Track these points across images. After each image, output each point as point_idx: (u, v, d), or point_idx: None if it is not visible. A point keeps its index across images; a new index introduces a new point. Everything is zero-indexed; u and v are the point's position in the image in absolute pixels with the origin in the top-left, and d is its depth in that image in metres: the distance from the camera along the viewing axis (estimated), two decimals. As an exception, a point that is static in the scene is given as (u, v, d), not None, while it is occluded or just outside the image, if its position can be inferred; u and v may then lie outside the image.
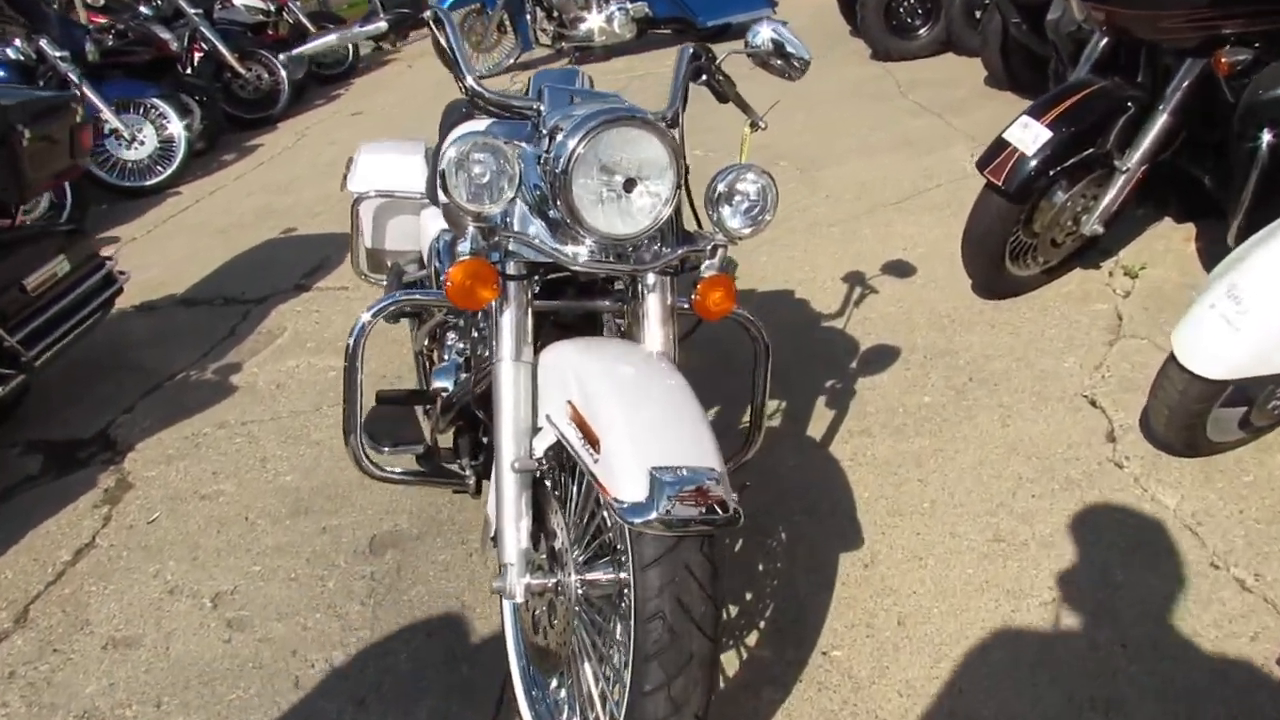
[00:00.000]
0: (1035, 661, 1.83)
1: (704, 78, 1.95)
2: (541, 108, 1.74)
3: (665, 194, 1.60)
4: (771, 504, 2.37)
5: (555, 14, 7.89)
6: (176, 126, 6.29)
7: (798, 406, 2.78)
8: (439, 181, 1.51)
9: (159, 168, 6.28)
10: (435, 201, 2.46)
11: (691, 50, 1.92)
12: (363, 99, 8.51)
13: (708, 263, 1.72)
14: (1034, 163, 2.71)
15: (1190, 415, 2.11)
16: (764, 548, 2.25)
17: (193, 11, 7.29)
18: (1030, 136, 2.72)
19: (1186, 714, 1.70)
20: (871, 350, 3.02)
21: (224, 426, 3.20)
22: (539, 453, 1.64)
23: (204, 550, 2.57)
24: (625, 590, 1.50)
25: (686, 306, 1.76)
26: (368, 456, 1.92)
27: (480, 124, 1.94)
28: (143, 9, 7.37)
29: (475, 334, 2.08)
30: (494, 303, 1.64)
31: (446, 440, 2.19)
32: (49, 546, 2.68)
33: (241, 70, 7.58)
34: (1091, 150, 2.79)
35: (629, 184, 1.58)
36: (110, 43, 6.48)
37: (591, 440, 1.42)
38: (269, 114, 7.80)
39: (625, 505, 1.33)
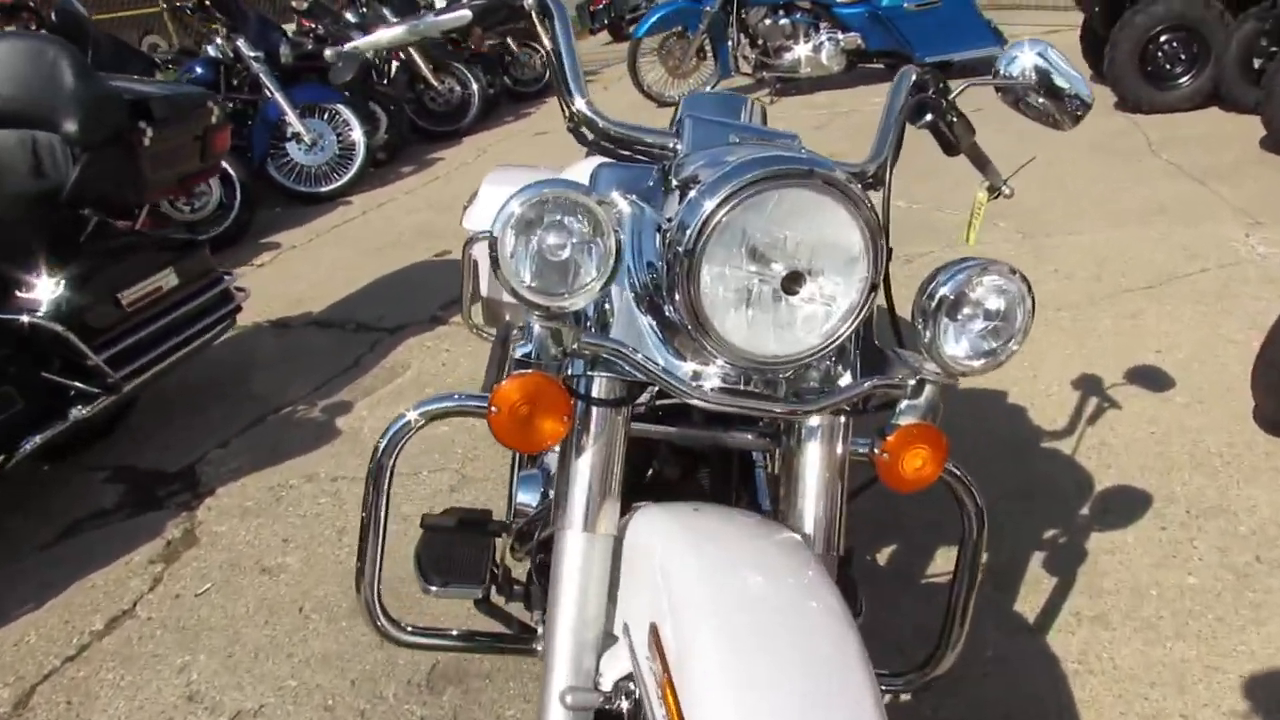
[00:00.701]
0: None
1: (929, 117, 1.33)
2: (679, 147, 1.17)
3: (851, 298, 0.99)
4: (960, 719, 1.68)
5: (759, 41, 7.33)
6: (357, 134, 6.13)
7: (1004, 564, 2.07)
8: (491, 254, 0.96)
9: (335, 175, 6.13)
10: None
11: (915, 77, 1.30)
12: (553, 118, 8.21)
13: (907, 403, 1.09)
14: (1392, 268, 1.92)
15: None
16: (944, 791, 1.58)
17: (394, 21, 7.19)
18: (1391, 231, 1.93)
19: None
20: (1112, 493, 2.26)
21: (312, 480, 2.79)
22: (607, 682, 1.05)
23: (243, 646, 2.13)
24: None
25: (864, 454, 1.14)
26: (386, 614, 1.38)
27: (589, 165, 1.38)
28: (347, 15, 7.35)
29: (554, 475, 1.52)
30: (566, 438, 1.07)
31: (521, 571, 1.64)
32: (87, 607, 2.33)
33: (435, 82, 7.44)
34: None
35: (793, 278, 0.98)
36: (309, 47, 6.42)
37: (675, 714, 0.83)
38: (456, 127, 7.63)
39: None
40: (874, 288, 1.00)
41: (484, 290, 2.36)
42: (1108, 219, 4.12)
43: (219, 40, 5.98)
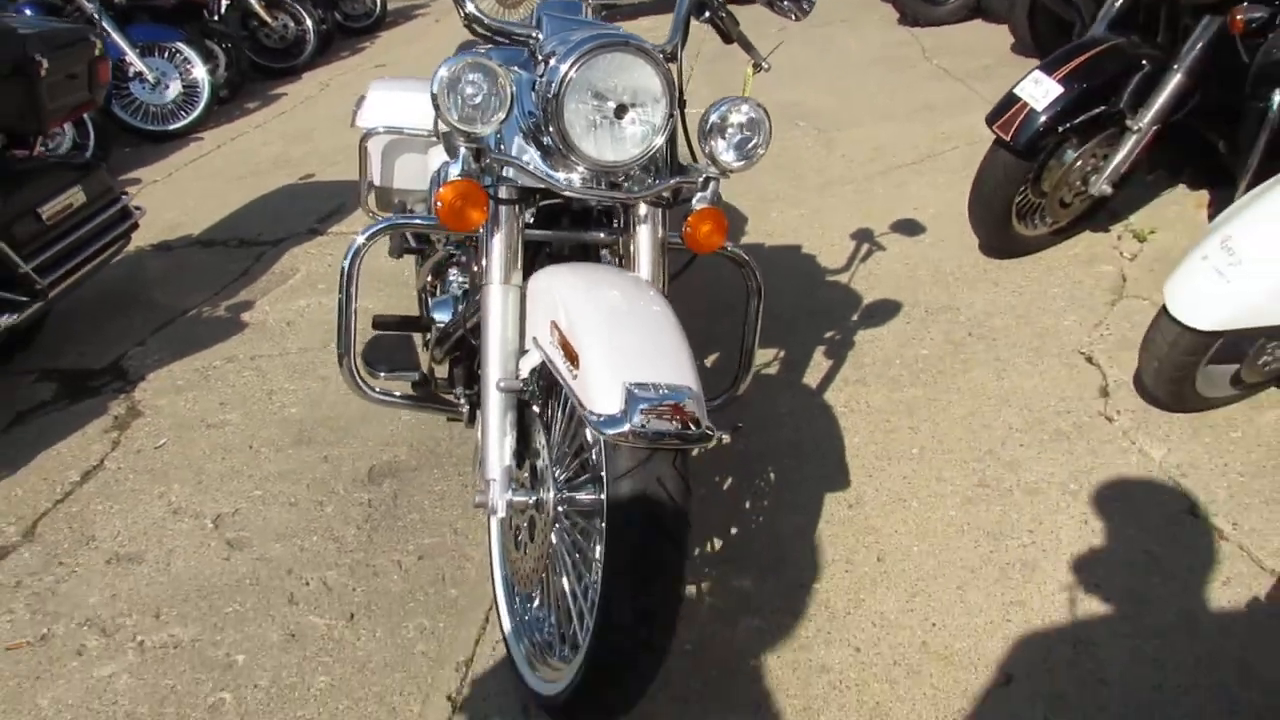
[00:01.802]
0: (1010, 600, 1.86)
1: (706, 14, 1.96)
2: (539, 35, 1.76)
3: (657, 122, 1.61)
4: (762, 448, 2.40)
5: (582, -33, 7.82)
6: (200, 72, 6.32)
7: (796, 357, 2.80)
8: (433, 103, 1.53)
9: (182, 113, 6.31)
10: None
11: (695, -18, 1.92)
12: (388, 52, 8.51)
13: (699, 195, 1.74)
14: (1044, 118, 2.70)
15: (1179, 368, 2.12)
16: (751, 488, 2.29)
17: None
18: (1041, 92, 2.70)
19: (1155, 654, 1.73)
20: (873, 305, 3.03)
21: (233, 360, 3.25)
22: (524, 373, 1.67)
23: (208, 475, 2.63)
24: (603, 511, 1.53)
25: (678, 241, 1.78)
26: (364, 380, 1.95)
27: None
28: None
29: (475, 268, 2.11)
30: (484, 228, 1.66)
31: (443, 371, 2.23)
32: (59, 467, 2.75)
33: (268, 19, 7.57)
34: (1103, 108, 2.77)
35: (621, 110, 1.60)
36: (140, -15, 6.50)
37: (571, 357, 1.45)
38: (294, 64, 7.81)
39: (600, 418, 1.36)
40: (671, 115, 1.63)
41: (376, 180, 2.88)
42: (886, 115, 4.93)
43: (49, -21, 6.01)
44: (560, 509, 1.64)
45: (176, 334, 3.51)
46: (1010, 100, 2.80)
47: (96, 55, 3.54)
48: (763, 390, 2.63)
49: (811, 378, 2.70)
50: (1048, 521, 2.05)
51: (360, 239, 1.87)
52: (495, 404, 1.66)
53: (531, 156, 1.67)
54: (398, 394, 2.07)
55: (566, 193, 1.65)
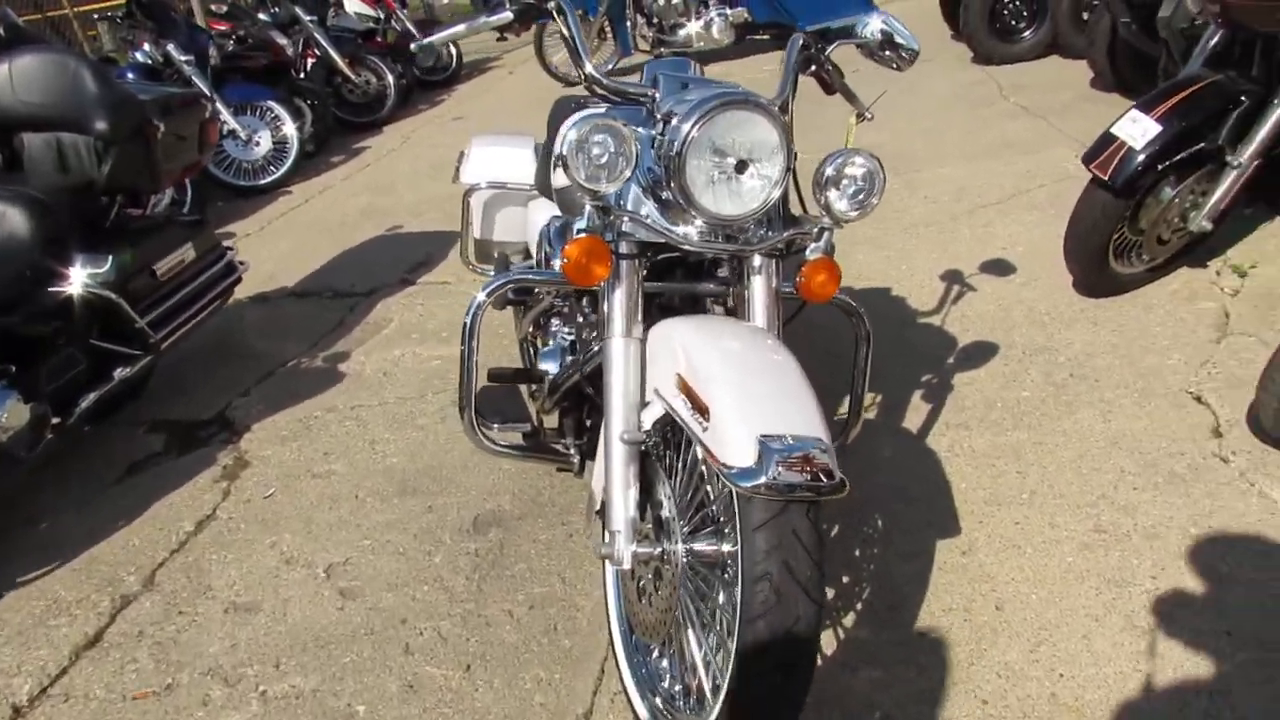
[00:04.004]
0: (1139, 649, 1.82)
1: (813, 68, 1.99)
2: (656, 94, 1.80)
3: (775, 176, 1.64)
4: (868, 494, 2.38)
5: (655, 20, 7.97)
6: (290, 128, 6.55)
7: (894, 400, 2.79)
8: (560, 162, 1.58)
9: (272, 168, 6.54)
10: (544, 192, 2.54)
11: (801, 40, 1.96)
12: (464, 104, 8.74)
13: (813, 246, 1.76)
14: (1142, 157, 2.68)
15: (1306, 410, 2.07)
16: (861, 535, 2.27)
17: (307, 19, 7.58)
18: (1139, 130, 2.68)
19: (1298, 708, 1.67)
20: (969, 346, 3.00)
21: (333, 411, 3.34)
22: (647, 425, 1.69)
23: (317, 524, 2.69)
24: (730, 560, 1.54)
25: (790, 290, 1.79)
26: (483, 430, 2.00)
27: (597, 110, 2.00)
28: (261, 16, 7.71)
29: (580, 318, 2.15)
30: (605, 282, 1.70)
31: (551, 421, 2.27)
32: (172, 517, 2.84)
33: (351, 75, 7.85)
34: (1202, 145, 2.75)
35: (740, 166, 1.63)
36: (231, 47, 6.79)
37: (700, 409, 1.47)
38: (376, 117, 8.07)
39: (734, 470, 1.37)
40: (788, 169, 1.65)
41: (477, 233, 2.96)
42: (966, 154, 4.91)
43: (147, 46, 6.30)
44: (686, 560, 1.65)
45: (278, 384, 3.62)
46: (1107, 140, 2.78)
47: (206, 118, 3.71)
48: (864, 435, 2.62)
49: (911, 422, 2.68)
50: (1170, 567, 2.01)
51: (481, 295, 1.93)
52: (619, 456, 1.69)
53: (650, 211, 1.70)
54: (512, 444, 2.11)
55: (686, 246, 1.69)
